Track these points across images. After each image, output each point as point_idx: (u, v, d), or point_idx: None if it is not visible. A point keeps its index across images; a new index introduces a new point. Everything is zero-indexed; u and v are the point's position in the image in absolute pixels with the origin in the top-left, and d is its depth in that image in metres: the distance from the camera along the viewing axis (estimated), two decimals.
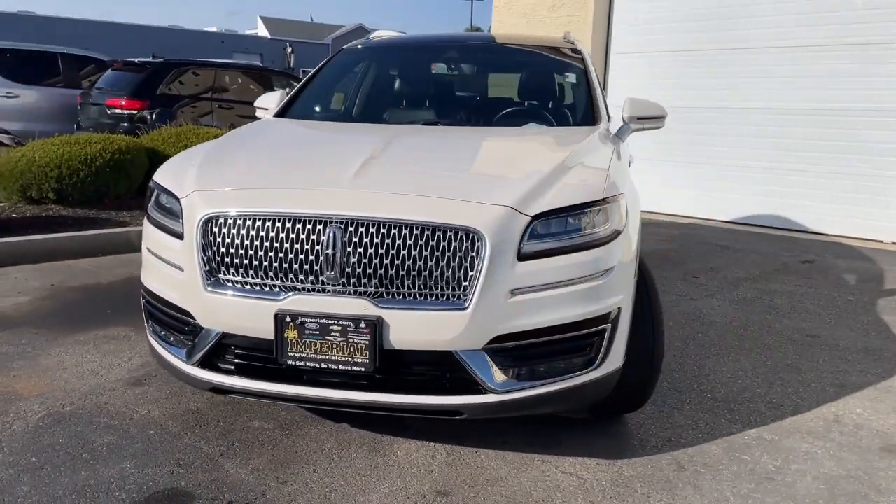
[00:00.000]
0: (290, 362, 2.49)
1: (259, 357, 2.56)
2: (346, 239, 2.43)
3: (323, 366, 2.47)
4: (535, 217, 2.47)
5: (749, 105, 8.65)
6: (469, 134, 3.65)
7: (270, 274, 2.51)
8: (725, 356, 4.09)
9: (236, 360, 2.62)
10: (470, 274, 2.40)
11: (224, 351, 2.63)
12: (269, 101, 4.07)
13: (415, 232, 2.41)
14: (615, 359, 2.69)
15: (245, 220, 2.53)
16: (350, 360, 2.44)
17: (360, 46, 4.62)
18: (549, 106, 4.02)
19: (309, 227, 2.46)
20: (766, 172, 8.61)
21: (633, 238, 2.80)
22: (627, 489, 2.65)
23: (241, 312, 2.52)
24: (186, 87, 10.28)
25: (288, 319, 2.46)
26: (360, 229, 2.43)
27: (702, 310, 4.99)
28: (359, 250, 2.43)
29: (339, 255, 2.43)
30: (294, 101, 4.10)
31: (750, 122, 8.66)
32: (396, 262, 2.41)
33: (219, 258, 2.56)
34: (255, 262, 2.51)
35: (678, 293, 5.39)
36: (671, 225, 8.74)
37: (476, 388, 2.46)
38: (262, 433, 2.99)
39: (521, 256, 2.44)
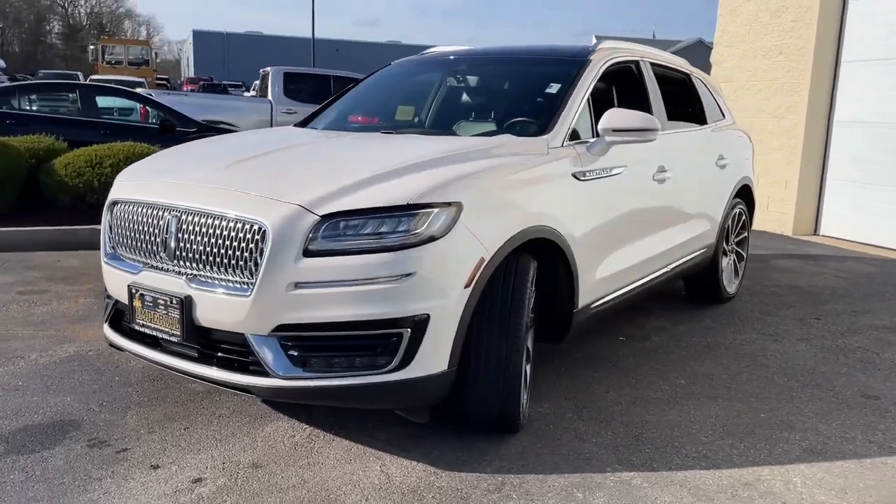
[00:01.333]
0: (136, 327, 2.94)
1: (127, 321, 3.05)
2: (178, 225, 2.81)
3: (155, 333, 2.88)
4: (325, 216, 2.60)
5: None
6: (382, 141, 3.75)
7: (135, 252, 2.98)
8: (683, 401, 3.64)
9: (122, 323, 3.13)
10: (259, 264, 2.62)
11: (120, 314, 3.15)
12: None
13: (217, 221, 2.71)
14: (426, 365, 2.68)
15: (126, 206, 3.04)
16: (169, 330, 2.82)
17: (393, 62, 4.89)
18: (512, 115, 3.93)
19: (157, 213, 2.89)
20: None
21: (475, 247, 2.74)
22: (419, 498, 2.64)
23: (116, 282, 3.05)
24: None
25: (135, 291, 2.92)
26: (185, 217, 2.79)
27: (763, 351, 4.40)
28: (183, 235, 2.79)
29: (170, 239, 2.82)
30: (321, 112, 4.51)
31: None
32: (206, 247, 2.73)
33: (114, 236, 3.10)
34: (129, 241, 3.01)
35: (765, 332, 4.78)
36: (864, 259, 7.49)
37: (264, 371, 2.67)
38: (185, 394, 3.47)
39: (308, 253, 2.58)
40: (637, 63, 4.39)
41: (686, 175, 4.53)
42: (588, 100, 3.78)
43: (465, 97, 4.51)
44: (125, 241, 3.04)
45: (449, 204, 2.72)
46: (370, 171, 2.88)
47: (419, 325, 2.64)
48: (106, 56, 31.28)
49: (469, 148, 3.25)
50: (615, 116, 3.57)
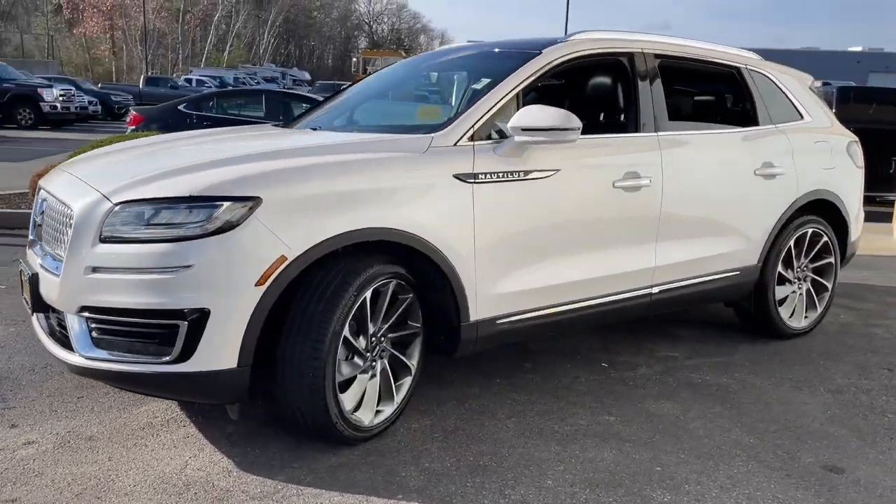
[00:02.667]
0: (23, 297, 3.27)
1: None
2: (42, 209, 3.10)
3: (27, 307, 3.19)
4: (118, 204, 2.71)
5: None
6: (263, 136, 3.73)
7: (31, 232, 3.33)
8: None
9: None
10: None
11: None
12: None
13: (56, 205, 2.94)
14: (209, 360, 2.67)
15: (38, 190, 3.40)
16: (28, 303, 3.11)
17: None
18: (432, 112, 3.67)
19: (39, 198, 3.21)
20: None
21: (274, 245, 2.68)
22: (183, 492, 2.66)
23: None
24: None
25: (20, 265, 3.26)
26: (47, 201, 3.07)
27: (764, 399, 3.68)
28: (44, 218, 3.07)
29: (37, 219, 3.11)
30: (307, 112, 4.55)
31: None
32: (50, 228, 2.98)
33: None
34: (30, 223, 3.37)
35: (796, 378, 3.98)
36: None
37: (72, 348, 2.85)
38: None
39: (103, 239, 2.71)
40: (630, 56, 3.88)
41: (687, 184, 3.91)
42: (519, 96, 3.44)
43: (414, 94, 4.32)
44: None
45: (242, 199, 2.68)
46: (192, 162, 2.93)
47: (197, 318, 2.63)
48: (368, 68, 34.32)
49: (326, 144, 3.15)
50: (527, 114, 3.23)
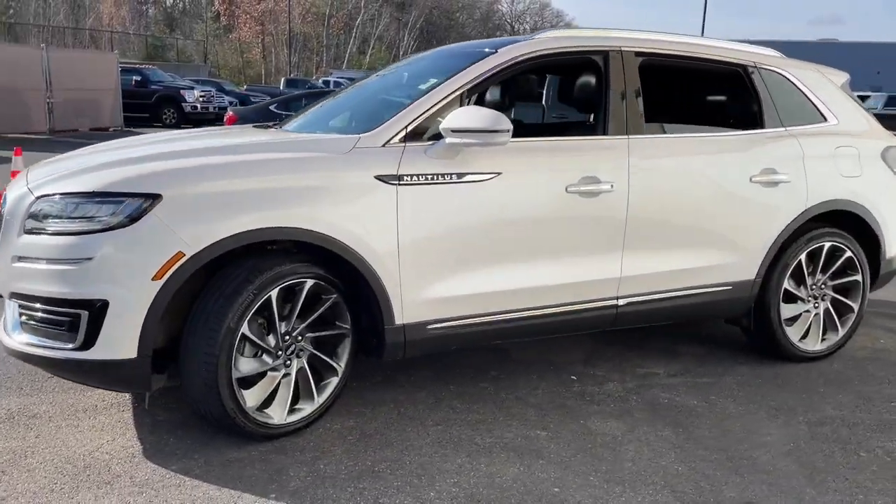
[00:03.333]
0: None
1: None
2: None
3: None
4: (39, 198, 2.90)
5: None
6: (241, 135, 3.81)
7: None
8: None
9: None
10: None
11: None
12: None
13: (4, 201, 3.17)
14: (110, 350, 2.80)
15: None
16: None
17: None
18: (381, 112, 3.59)
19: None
20: None
21: (172, 241, 2.77)
22: (71, 474, 2.82)
23: None
24: None
25: None
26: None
27: (721, 426, 3.40)
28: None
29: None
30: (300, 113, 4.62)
31: None
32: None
33: None
34: None
35: (777, 406, 3.64)
36: None
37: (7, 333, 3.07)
38: None
39: (26, 230, 2.92)
40: (604, 55, 3.68)
41: (662, 190, 3.67)
42: (463, 96, 3.37)
43: (388, 96, 4.27)
44: None
45: (142, 195, 2.79)
46: (113, 160, 3.09)
47: (97, 309, 2.77)
48: None
49: (253, 143, 3.22)
50: (458, 115, 3.16)
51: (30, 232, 2.88)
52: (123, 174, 2.88)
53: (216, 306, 2.86)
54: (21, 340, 2.94)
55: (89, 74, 20.17)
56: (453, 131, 3.14)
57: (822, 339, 4.25)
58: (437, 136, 3.23)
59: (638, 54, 3.77)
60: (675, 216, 3.72)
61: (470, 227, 3.28)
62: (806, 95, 4.19)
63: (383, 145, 3.18)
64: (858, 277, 4.25)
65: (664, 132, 3.88)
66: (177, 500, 2.63)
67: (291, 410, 3.13)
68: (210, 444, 3.03)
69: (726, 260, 3.87)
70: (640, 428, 3.32)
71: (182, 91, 23.64)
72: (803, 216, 3.99)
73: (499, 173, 3.30)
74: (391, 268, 3.13)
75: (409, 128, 3.23)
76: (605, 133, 3.63)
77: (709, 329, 4.72)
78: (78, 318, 2.78)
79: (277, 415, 3.08)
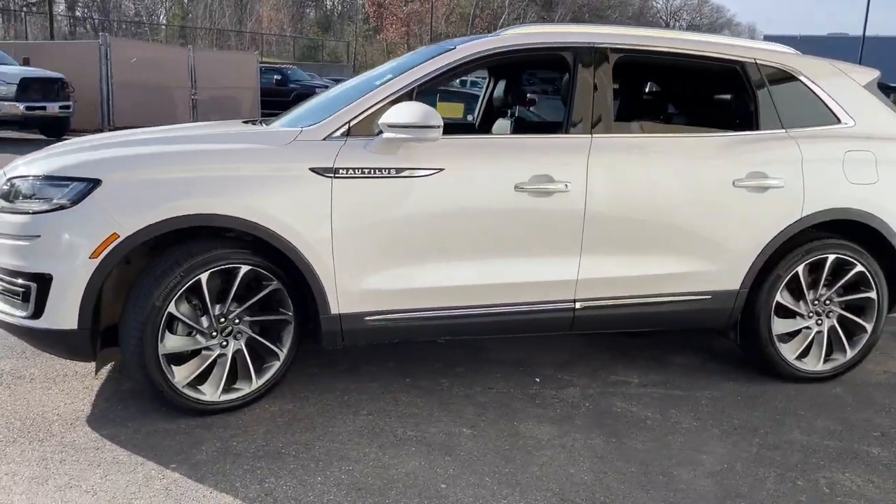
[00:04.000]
0: None
1: None
2: None
3: None
4: (8, 179, 3.24)
5: None
6: (213, 128, 4.05)
7: None
8: None
9: None
10: None
11: None
12: None
13: None
14: (54, 320, 3.07)
15: None
16: None
17: None
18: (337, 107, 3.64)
19: None
20: None
21: (108, 223, 3.00)
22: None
23: None
24: None
25: None
26: None
27: (664, 445, 3.23)
28: None
29: None
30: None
31: None
32: None
33: None
34: None
35: (742, 427, 3.41)
36: None
37: None
38: None
39: (1, 208, 3.26)
40: (574, 51, 3.59)
41: (625, 191, 3.52)
42: (413, 92, 3.41)
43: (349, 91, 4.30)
44: None
45: (84, 180, 3.05)
46: (75, 147, 3.37)
47: (43, 282, 3.06)
48: None
49: (204, 134, 3.40)
50: (395, 111, 3.21)
51: (2, 210, 3.20)
52: (73, 160, 3.15)
53: (146, 285, 3.07)
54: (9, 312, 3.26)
55: (231, 73, 21.57)
56: (389, 126, 3.19)
57: (828, 360, 3.92)
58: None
59: (614, 51, 3.64)
60: (641, 219, 3.56)
61: (410, 222, 3.31)
62: (817, 95, 3.87)
63: (324, 139, 3.28)
64: (873, 295, 3.88)
65: (642, 131, 3.72)
66: (87, 462, 2.85)
67: (228, 389, 3.29)
68: (149, 414, 3.25)
69: (704, 268, 3.66)
70: (572, 435, 3.23)
71: (318, 90, 24.78)
72: (798, 225, 3.70)
73: (441, 169, 3.31)
74: (325, 259, 3.22)
75: (353, 122, 3.31)
76: (566, 131, 3.54)
77: (714, 340, 4.45)
78: (29, 289, 3.08)
79: (210, 392, 3.25)
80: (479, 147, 3.45)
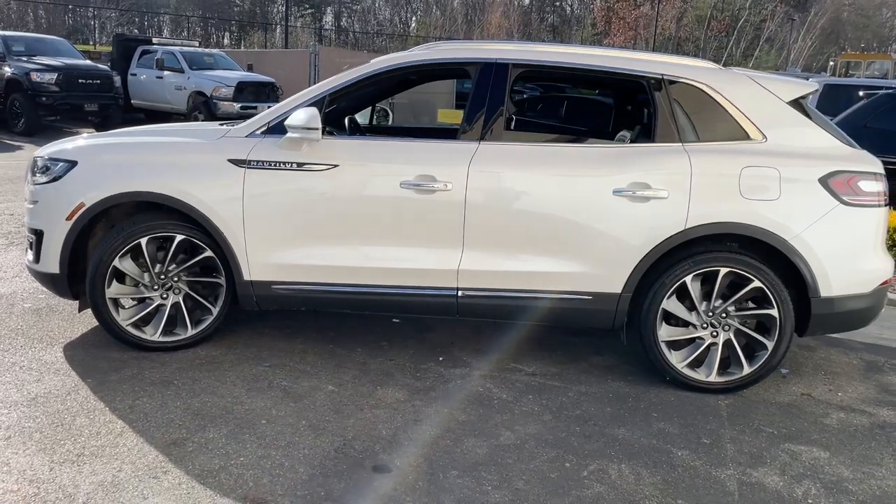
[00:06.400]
0: None
1: None
2: None
3: None
4: (35, 158, 4.35)
5: None
6: (187, 126, 4.97)
7: None
8: None
9: None
10: None
11: None
12: None
13: None
14: (46, 265, 4.11)
15: None
16: None
17: None
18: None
19: None
20: None
21: (78, 194, 3.98)
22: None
23: None
24: None
25: None
26: None
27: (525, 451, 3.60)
28: None
29: None
30: None
31: None
32: None
33: None
34: None
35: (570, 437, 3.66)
36: None
37: None
38: None
39: (30, 181, 4.41)
40: (479, 66, 4.01)
41: (503, 194, 3.89)
42: (325, 100, 4.04)
43: None
44: None
45: (67, 161, 4.09)
46: (76, 137, 4.43)
47: (39, 236, 4.14)
48: (849, 71, 30.33)
49: (167, 129, 4.31)
50: (293, 114, 3.88)
51: (30, 182, 4.33)
52: (67, 146, 4.20)
53: (101, 244, 4.02)
54: (26, 257, 4.42)
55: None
56: (288, 127, 3.87)
57: (724, 373, 3.96)
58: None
59: (516, 66, 4.01)
60: (519, 220, 3.90)
61: (307, 208, 3.97)
62: (726, 110, 3.93)
63: (247, 136, 4.04)
64: (773, 312, 3.86)
65: (536, 141, 4.04)
66: (45, 369, 3.84)
67: (168, 333, 4.16)
68: (109, 344, 4.18)
69: (582, 269, 3.91)
70: (413, 402, 3.69)
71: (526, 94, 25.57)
72: (682, 236, 3.81)
73: (336, 165, 3.93)
74: (237, 234, 3.98)
75: (272, 123, 4.04)
76: (458, 137, 3.99)
77: None
78: (33, 241, 4.16)
79: (150, 332, 4.13)
80: (370, 148, 4.01)
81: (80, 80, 14.78)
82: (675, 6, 52.43)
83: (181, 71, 17.40)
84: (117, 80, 15.77)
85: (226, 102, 17.02)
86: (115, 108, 15.49)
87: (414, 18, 68.92)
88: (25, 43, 15.74)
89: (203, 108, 16.77)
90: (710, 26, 56.39)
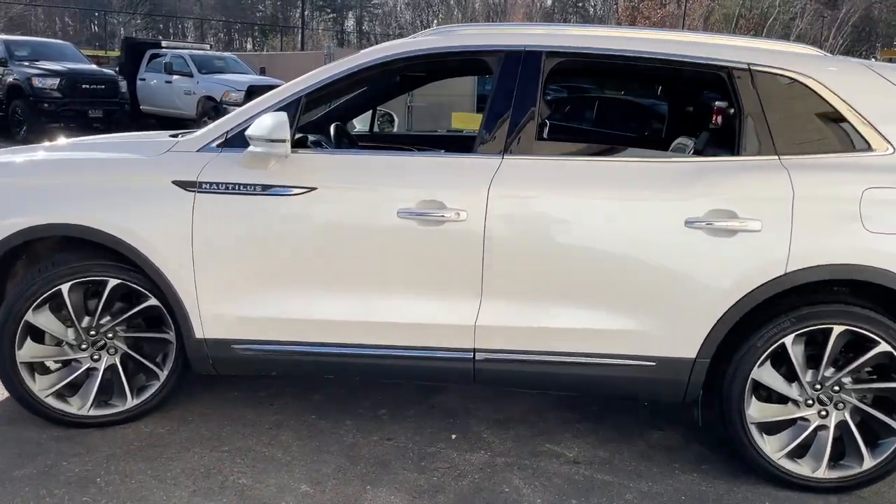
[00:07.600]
0: None
1: None
2: None
3: None
4: None
5: None
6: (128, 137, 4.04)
7: None
8: None
9: None
10: None
11: None
12: None
13: None
14: None
15: None
16: None
17: None
18: None
19: None
20: None
21: None
22: None
23: None
24: None
25: None
26: None
27: None
28: None
29: None
30: None
31: None
32: None
33: None
34: None
35: None
36: None
37: None
38: None
39: None
40: (501, 55, 3.02)
41: (537, 225, 2.89)
42: (301, 102, 3.08)
43: None
44: None
45: None
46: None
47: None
48: None
49: (103, 142, 3.40)
50: (256, 121, 2.93)
51: None
52: None
53: (13, 291, 3.08)
54: None
55: (450, 81, 22.04)
56: (250, 138, 2.91)
57: (836, 466, 2.93)
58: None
59: (552, 54, 3.01)
60: (555, 260, 2.90)
61: (276, 245, 3.00)
62: (838, 110, 2.89)
63: (199, 150, 3.08)
64: None
65: (576, 153, 3.04)
66: None
67: (101, 404, 3.21)
68: (26, 418, 3.23)
69: (643, 327, 2.90)
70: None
71: None
72: (780, 283, 2.79)
73: (313, 188, 2.96)
74: (185, 278, 3.02)
75: (231, 133, 3.08)
76: (473, 150, 3.00)
77: None
78: None
79: (78, 405, 3.19)
80: (359, 166, 3.04)
81: (83, 86, 14.07)
82: (702, 5, 51.08)
83: (190, 75, 16.56)
84: (123, 84, 15.01)
85: (236, 107, 16.19)
86: (121, 114, 14.74)
87: (436, 21, 68.22)
88: (29, 47, 15.09)
89: (213, 112, 15.92)
90: (739, 25, 54.81)
